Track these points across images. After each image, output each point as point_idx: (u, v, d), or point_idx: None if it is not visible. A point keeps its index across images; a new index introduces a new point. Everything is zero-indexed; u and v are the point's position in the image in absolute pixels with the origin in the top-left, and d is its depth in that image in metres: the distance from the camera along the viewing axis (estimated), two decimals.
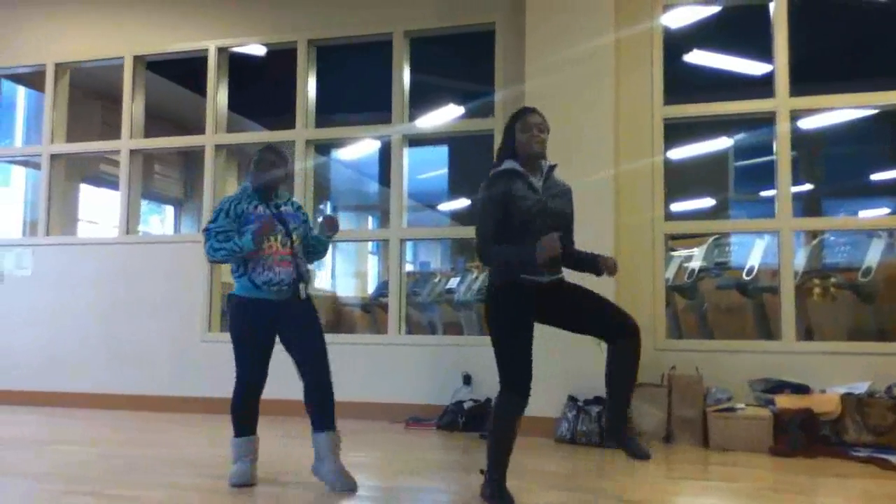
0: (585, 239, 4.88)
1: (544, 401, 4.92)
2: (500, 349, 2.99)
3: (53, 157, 6.86)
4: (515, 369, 2.96)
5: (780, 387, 4.74)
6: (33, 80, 7.48)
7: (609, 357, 3.10)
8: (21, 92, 8.70)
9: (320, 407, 3.38)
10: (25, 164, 8.50)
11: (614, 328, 3.07)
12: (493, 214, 3.01)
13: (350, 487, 3.27)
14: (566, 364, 4.84)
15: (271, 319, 3.39)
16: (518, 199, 2.99)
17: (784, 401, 4.58)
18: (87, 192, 9.36)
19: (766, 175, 6.09)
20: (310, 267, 3.64)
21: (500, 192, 3.01)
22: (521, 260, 2.96)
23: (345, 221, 14.92)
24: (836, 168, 11.41)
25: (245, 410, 3.44)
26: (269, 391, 3.50)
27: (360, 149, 9.96)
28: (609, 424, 3.28)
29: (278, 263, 3.38)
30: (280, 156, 3.53)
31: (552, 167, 3.16)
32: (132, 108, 6.66)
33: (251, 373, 3.40)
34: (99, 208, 9.44)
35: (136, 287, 6.32)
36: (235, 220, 3.40)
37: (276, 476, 3.58)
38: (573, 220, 3.22)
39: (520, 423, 3.01)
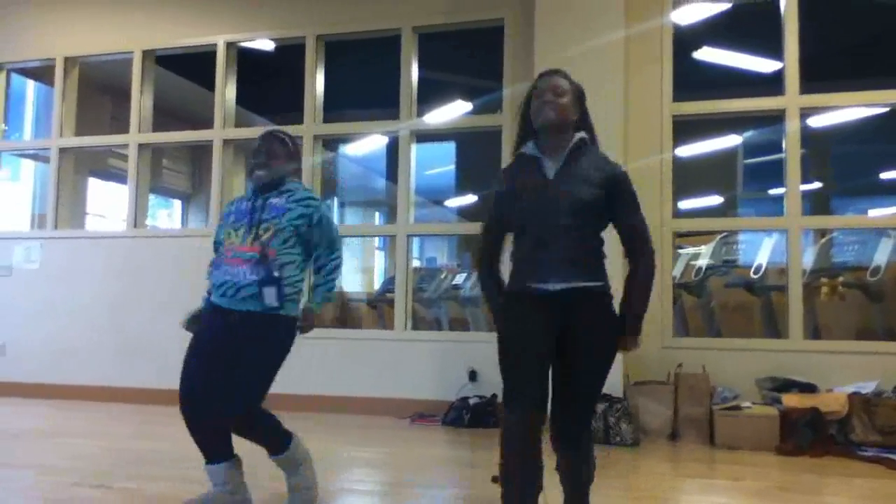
0: None
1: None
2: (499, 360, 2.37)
3: (62, 150, 6.88)
4: (511, 383, 2.30)
5: (787, 385, 4.73)
6: (43, 73, 7.50)
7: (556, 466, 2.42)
8: (30, 86, 8.73)
9: None
10: (35, 157, 8.53)
11: (559, 420, 2.33)
12: (488, 224, 2.45)
13: None
14: None
15: (219, 329, 2.83)
16: (518, 194, 2.33)
17: (791, 400, 4.57)
18: (95, 185, 9.40)
19: (775, 173, 6.06)
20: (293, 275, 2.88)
21: (493, 194, 2.42)
22: (493, 311, 2.41)
23: (352, 216, 14.96)
24: (846, 166, 11.36)
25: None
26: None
27: (368, 144, 9.95)
28: None
29: (230, 261, 2.83)
30: (265, 141, 2.99)
31: (580, 143, 2.37)
32: (141, 103, 6.68)
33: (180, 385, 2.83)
34: (107, 202, 9.47)
35: (143, 280, 6.34)
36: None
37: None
38: (598, 208, 2.32)
39: (532, 452, 2.28)
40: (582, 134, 2.38)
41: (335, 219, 3.02)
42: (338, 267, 3.04)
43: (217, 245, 3.02)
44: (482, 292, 2.50)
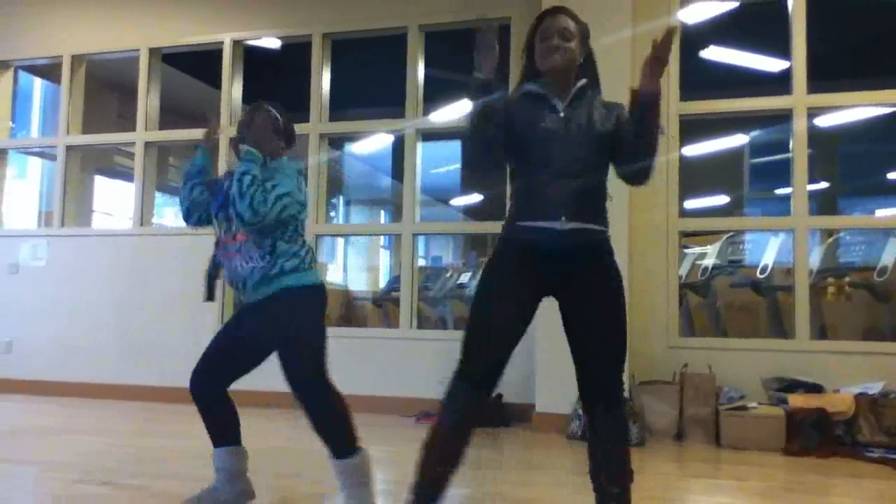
0: None
1: (556, 398, 4.94)
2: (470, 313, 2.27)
3: (69, 148, 6.90)
4: (467, 348, 2.22)
5: (793, 386, 4.71)
6: (50, 71, 7.52)
7: (588, 429, 2.36)
8: (37, 83, 8.76)
9: None
10: (41, 155, 8.57)
11: (592, 385, 2.27)
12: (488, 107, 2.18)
13: None
14: None
15: (247, 318, 2.88)
16: (527, 124, 2.21)
17: (797, 400, 4.55)
18: (101, 183, 9.42)
19: (781, 173, 6.04)
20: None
21: (500, 96, 2.19)
22: (477, 91, 2.17)
23: (357, 215, 14.98)
24: (853, 166, 11.33)
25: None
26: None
27: (374, 143, 9.96)
28: None
29: (226, 255, 2.89)
30: (250, 112, 2.95)
31: (582, 88, 2.29)
32: (147, 101, 6.69)
33: None
34: (113, 200, 9.50)
35: (149, 278, 6.35)
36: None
37: (287, 470, 3.59)
38: (608, 141, 2.24)
39: (466, 430, 2.30)
40: (583, 81, 2.31)
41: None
42: (240, 178, 2.67)
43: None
44: (468, 124, 2.20)
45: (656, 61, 2.08)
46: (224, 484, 2.80)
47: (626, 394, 2.34)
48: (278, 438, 4.53)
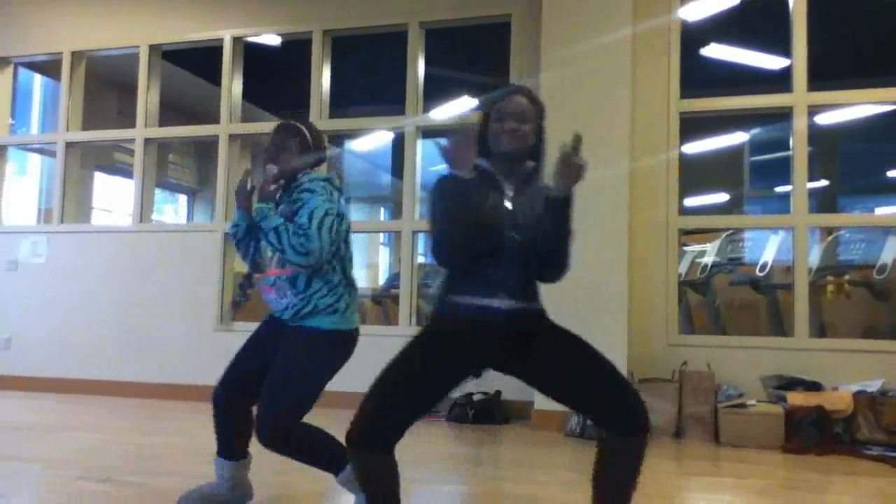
0: (598, 233, 4.93)
1: None
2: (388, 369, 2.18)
3: (69, 144, 6.89)
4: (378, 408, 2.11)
5: (792, 384, 4.72)
6: (49, 68, 7.51)
7: (599, 453, 2.17)
8: (37, 80, 8.76)
9: None
10: (41, 151, 8.56)
11: (616, 416, 2.10)
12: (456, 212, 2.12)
13: None
14: None
15: (270, 331, 2.78)
16: (480, 204, 2.15)
17: (796, 398, 4.56)
18: (101, 180, 9.42)
19: (781, 171, 6.04)
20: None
21: (458, 182, 2.14)
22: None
23: (357, 213, 14.97)
24: (853, 164, 11.33)
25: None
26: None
27: (374, 140, 9.95)
28: None
29: (262, 288, 2.75)
30: (276, 134, 2.77)
31: (531, 172, 2.26)
32: (147, 97, 6.69)
33: None
34: (113, 196, 9.50)
35: (149, 275, 6.35)
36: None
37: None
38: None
39: (388, 481, 2.14)
40: (533, 165, 2.26)
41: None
42: (269, 240, 2.56)
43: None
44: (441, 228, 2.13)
45: (566, 170, 2.06)
46: (225, 488, 2.79)
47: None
48: None
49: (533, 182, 2.25)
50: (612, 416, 2.10)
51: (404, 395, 2.10)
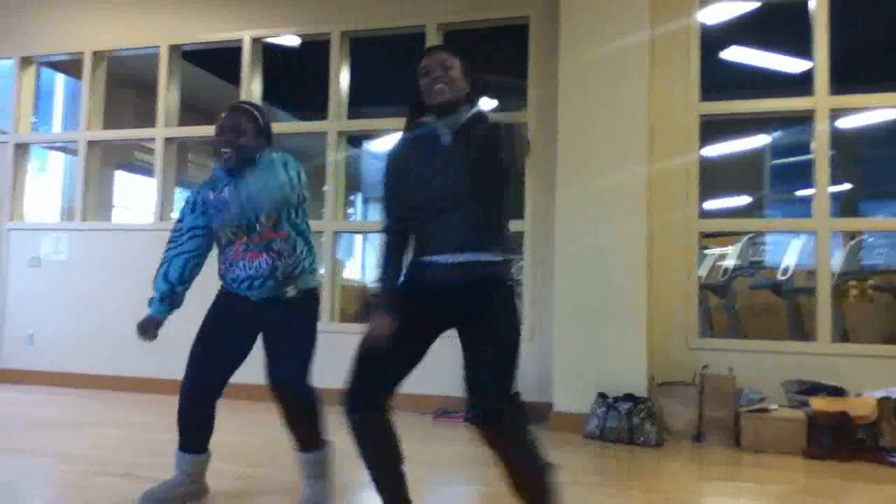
0: (617, 236, 4.91)
1: (574, 397, 4.93)
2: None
3: (90, 143, 6.95)
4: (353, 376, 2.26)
5: (814, 389, 4.67)
6: (71, 67, 7.58)
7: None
8: (59, 79, 8.85)
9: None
10: (63, 150, 8.64)
11: (470, 398, 2.14)
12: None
13: None
14: (596, 361, 4.83)
15: (242, 314, 2.90)
16: (417, 169, 2.27)
17: (819, 403, 4.50)
18: (122, 178, 9.49)
19: (802, 174, 5.99)
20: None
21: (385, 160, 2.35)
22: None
23: (375, 213, 14.97)
24: (876, 168, 11.21)
25: None
26: None
27: (391, 141, 9.96)
28: None
29: (243, 257, 2.84)
30: (231, 115, 2.85)
31: (474, 117, 2.27)
32: (167, 97, 6.73)
33: None
34: (133, 195, 9.57)
35: None
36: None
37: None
38: (487, 168, 2.16)
39: (382, 445, 2.31)
40: (474, 111, 2.28)
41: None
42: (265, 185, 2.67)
43: (183, 229, 2.96)
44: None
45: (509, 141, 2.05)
46: (186, 482, 2.87)
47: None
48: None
49: (476, 129, 2.21)
50: (470, 396, 2.13)
51: (377, 352, 2.20)
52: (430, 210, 2.21)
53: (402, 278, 2.31)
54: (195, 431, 2.89)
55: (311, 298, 2.84)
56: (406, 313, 2.24)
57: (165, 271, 2.98)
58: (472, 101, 2.31)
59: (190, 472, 2.87)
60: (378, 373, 2.23)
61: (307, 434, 2.80)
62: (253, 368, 2.85)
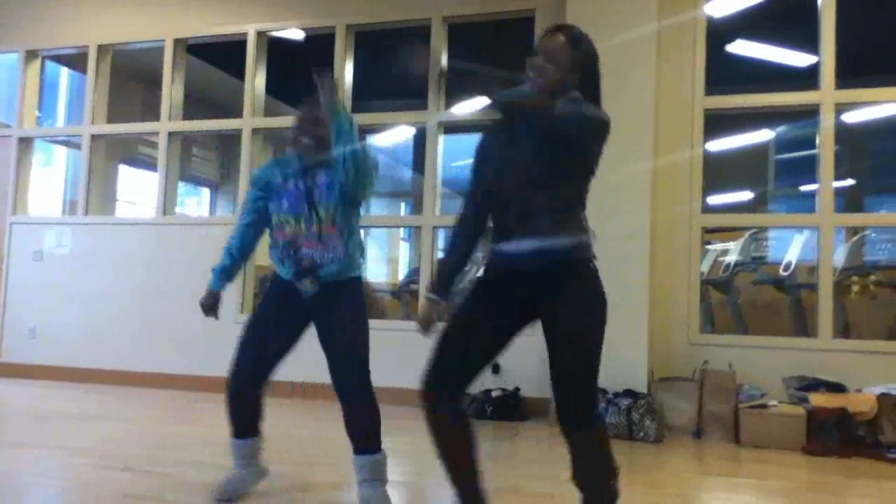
0: (620, 229, 4.89)
1: None
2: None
3: (94, 137, 6.96)
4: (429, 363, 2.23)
5: (815, 385, 4.66)
6: (76, 61, 7.59)
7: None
8: (64, 73, 8.85)
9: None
10: (67, 143, 8.64)
11: (560, 407, 2.13)
12: None
13: None
14: None
15: (296, 301, 2.91)
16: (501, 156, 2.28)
17: (819, 399, 4.50)
18: (125, 172, 9.50)
19: (806, 169, 5.97)
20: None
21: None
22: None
23: (378, 207, 14.99)
24: (880, 163, 11.15)
25: None
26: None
27: (396, 135, 9.95)
28: None
29: (304, 243, 2.88)
30: (313, 109, 3.00)
31: (568, 103, 2.18)
32: (171, 91, 6.74)
33: None
34: (137, 189, 9.58)
35: (171, 267, 6.41)
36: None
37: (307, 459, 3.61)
38: (567, 152, 2.16)
39: (458, 442, 2.26)
40: (574, 94, 2.19)
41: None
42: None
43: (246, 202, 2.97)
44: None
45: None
46: (244, 467, 2.89)
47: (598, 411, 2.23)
48: (299, 427, 4.55)
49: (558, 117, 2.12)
50: (559, 405, 2.12)
51: (456, 341, 2.18)
52: (510, 195, 2.16)
53: (481, 267, 2.31)
54: (241, 420, 2.89)
55: (362, 285, 2.90)
56: (486, 302, 2.22)
57: (230, 245, 3.02)
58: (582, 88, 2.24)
59: (246, 456, 2.89)
60: (456, 366, 2.19)
61: (362, 435, 2.80)
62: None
